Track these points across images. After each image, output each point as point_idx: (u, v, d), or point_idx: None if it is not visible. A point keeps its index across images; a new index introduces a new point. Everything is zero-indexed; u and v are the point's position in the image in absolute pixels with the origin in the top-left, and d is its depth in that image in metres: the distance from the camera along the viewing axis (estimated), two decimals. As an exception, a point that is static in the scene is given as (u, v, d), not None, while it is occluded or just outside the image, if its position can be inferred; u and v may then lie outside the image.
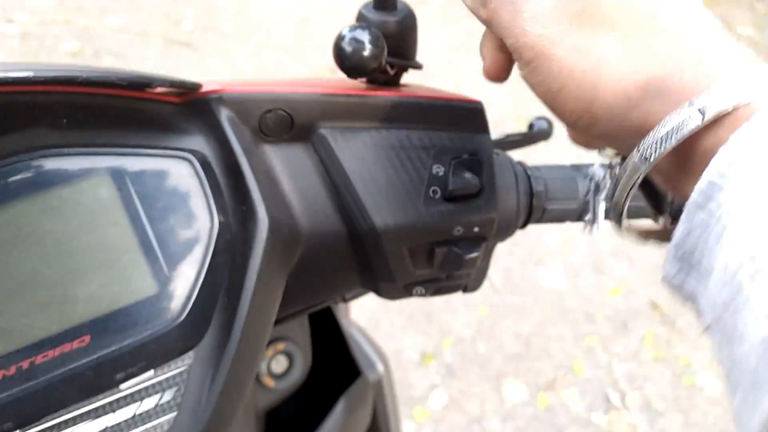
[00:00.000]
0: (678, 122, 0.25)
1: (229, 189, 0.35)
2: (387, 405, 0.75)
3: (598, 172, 0.42)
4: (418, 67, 0.42)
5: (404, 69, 0.43)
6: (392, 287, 0.42)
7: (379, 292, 0.43)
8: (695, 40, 0.27)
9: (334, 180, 0.38)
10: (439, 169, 0.39)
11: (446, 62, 3.00)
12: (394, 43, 0.38)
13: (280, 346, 0.55)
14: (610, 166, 0.38)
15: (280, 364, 0.56)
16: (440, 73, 2.90)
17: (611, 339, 1.84)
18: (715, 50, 0.27)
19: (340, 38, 0.37)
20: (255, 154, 0.36)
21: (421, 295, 0.43)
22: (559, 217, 0.46)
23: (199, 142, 0.35)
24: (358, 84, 0.42)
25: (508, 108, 2.72)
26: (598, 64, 0.28)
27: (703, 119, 0.25)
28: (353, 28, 0.37)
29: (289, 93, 0.37)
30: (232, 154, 0.34)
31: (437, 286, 0.43)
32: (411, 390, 1.62)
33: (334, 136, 0.38)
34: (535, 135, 0.61)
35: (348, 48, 0.36)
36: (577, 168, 0.47)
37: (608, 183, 0.40)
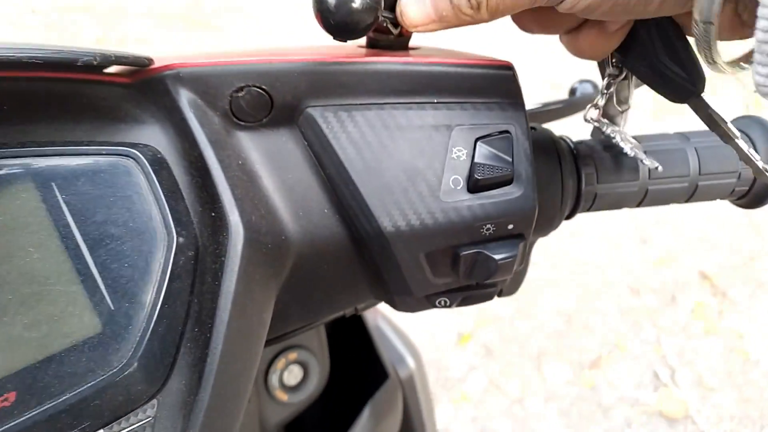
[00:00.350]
0: None
1: (193, 191, 0.28)
2: (419, 401, 0.70)
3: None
4: None
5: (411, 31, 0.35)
6: (409, 300, 0.35)
7: (394, 305, 0.36)
8: None
9: (328, 172, 0.31)
10: (460, 153, 0.31)
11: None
12: None
13: (293, 356, 0.49)
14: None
15: (293, 376, 0.50)
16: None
17: (658, 312, 1.76)
18: None
19: None
20: (226, 145, 0.29)
21: (446, 306, 0.36)
22: (616, 203, 0.38)
23: (152, 133, 0.28)
24: (355, 50, 0.34)
25: (540, 71, 2.61)
26: None
27: None
28: None
29: (265, 64, 0.29)
30: (195, 146, 0.28)
31: (465, 295, 0.36)
32: (448, 372, 1.57)
33: (326, 117, 0.30)
34: (578, 101, 0.52)
35: (332, 1, 0.28)
36: (638, 140, 0.38)
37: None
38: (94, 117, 0.27)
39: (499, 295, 0.39)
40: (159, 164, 0.27)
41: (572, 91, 0.53)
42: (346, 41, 0.30)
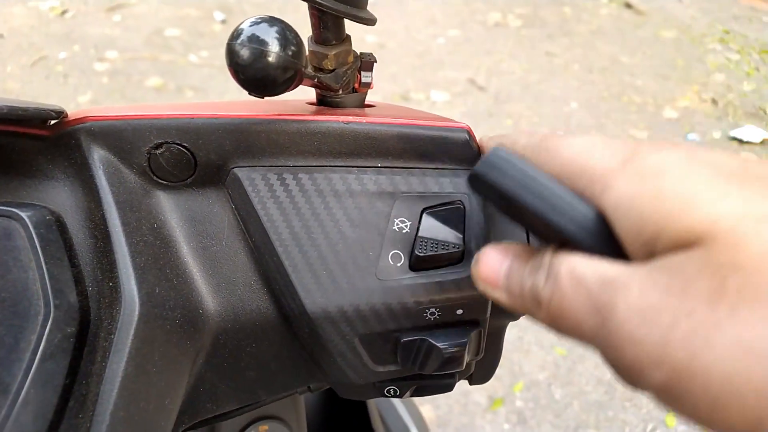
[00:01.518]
0: None
1: (95, 257, 0.25)
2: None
3: None
4: (368, 21, 0.29)
5: (367, 86, 0.32)
6: (350, 387, 0.31)
7: (338, 391, 0.32)
8: None
9: (254, 240, 0.28)
10: (403, 225, 0.28)
11: (523, 86, 2.88)
12: None
13: (263, 428, 0.45)
14: None
15: None
16: (515, 98, 2.78)
17: (709, 387, 1.63)
18: None
19: (233, 38, 0.25)
20: (138, 206, 0.26)
21: (396, 396, 0.31)
22: None
23: (59, 190, 0.26)
24: (301, 106, 0.31)
25: (591, 131, 2.56)
26: None
27: None
28: (254, 22, 0.25)
29: (186, 119, 0.27)
30: (100, 206, 0.25)
31: (418, 385, 0.31)
32: (478, 438, 1.49)
33: (252, 179, 0.27)
34: None
35: (243, 51, 0.25)
36: None
37: None
38: (6, 171, 0.25)
39: (470, 382, 0.35)
40: (48, 227, 0.25)
41: None
42: (262, 97, 0.27)
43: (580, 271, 0.21)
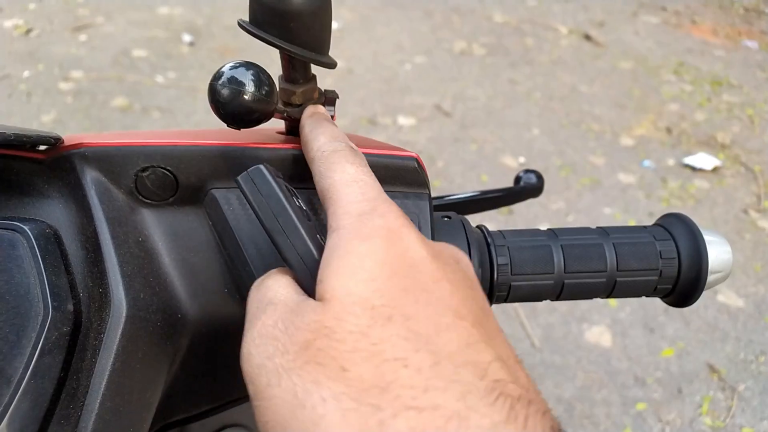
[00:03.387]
0: None
1: (86, 266, 0.28)
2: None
3: None
4: (329, 65, 0.34)
5: (331, 119, 0.36)
6: None
7: None
8: (445, 424, 0.19)
9: (228, 253, 0.31)
10: None
11: (487, 112, 2.96)
12: (301, 25, 0.30)
13: None
14: None
15: None
16: (480, 124, 2.85)
17: (664, 405, 1.68)
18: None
19: (215, 78, 0.30)
20: (126, 222, 0.30)
21: None
22: (533, 295, 0.37)
23: (54, 208, 0.29)
24: (273, 136, 0.35)
25: (552, 156, 2.63)
26: (314, 426, 0.20)
27: None
28: (234, 66, 0.30)
29: (169, 146, 0.31)
30: (92, 222, 0.29)
31: None
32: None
33: (228, 199, 0.31)
34: (519, 191, 0.52)
35: (224, 91, 0.29)
36: (554, 234, 0.38)
37: None
38: (6, 190, 0.28)
39: None
40: (47, 239, 0.28)
41: (517, 180, 0.53)
42: (239, 129, 0.31)
43: (266, 283, 0.25)
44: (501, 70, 3.38)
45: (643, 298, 0.39)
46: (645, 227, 0.38)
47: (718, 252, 0.36)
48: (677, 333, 1.89)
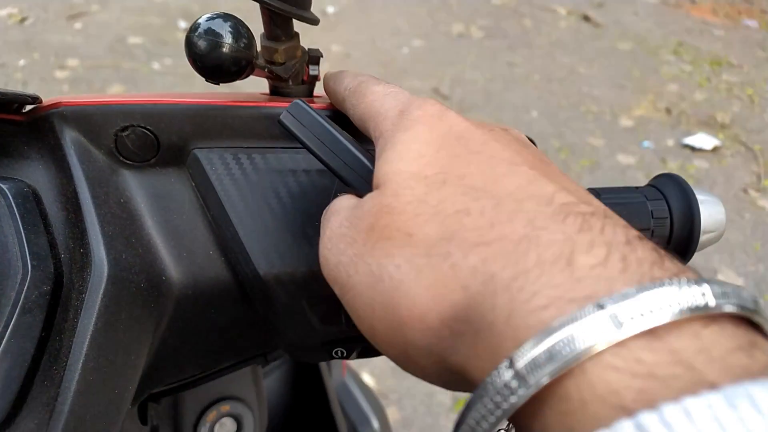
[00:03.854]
0: (492, 391, 0.17)
1: (67, 227, 0.28)
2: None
3: None
4: (311, 20, 0.33)
5: (314, 78, 0.36)
6: (300, 348, 0.34)
7: (291, 354, 0.35)
8: (515, 248, 0.19)
9: (212, 214, 0.31)
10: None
11: (485, 95, 2.94)
12: None
13: (225, 408, 0.47)
14: None
15: (226, 430, 0.47)
16: (478, 107, 2.84)
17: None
18: (544, 260, 0.18)
19: (191, 30, 0.29)
20: (107, 183, 0.29)
21: (343, 357, 0.34)
22: None
23: (34, 168, 0.29)
24: (257, 96, 0.35)
25: (551, 138, 2.62)
26: (395, 292, 0.21)
27: (521, 389, 0.16)
28: (210, 17, 0.29)
29: (150, 104, 0.30)
30: (72, 182, 0.28)
31: (363, 346, 0.34)
32: (441, 437, 1.51)
33: (210, 159, 0.30)
34: None
35: (201, 43, 0.28)
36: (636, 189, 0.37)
37: None
38: None
39: None
40: (25, 198, 0.27)
41: None
42: (218, 83, 0.31)
43: (330, 206, 0.26)
44: (499, 53, 3.35)
45: None
46: (637, 188, 0.37)
47: (710, 212, 0.35)
48: (677, 312, 1.90)
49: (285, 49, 0.33)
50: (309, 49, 0.36)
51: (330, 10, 3.62)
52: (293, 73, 0.34)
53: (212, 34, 0.29)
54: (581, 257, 0.18)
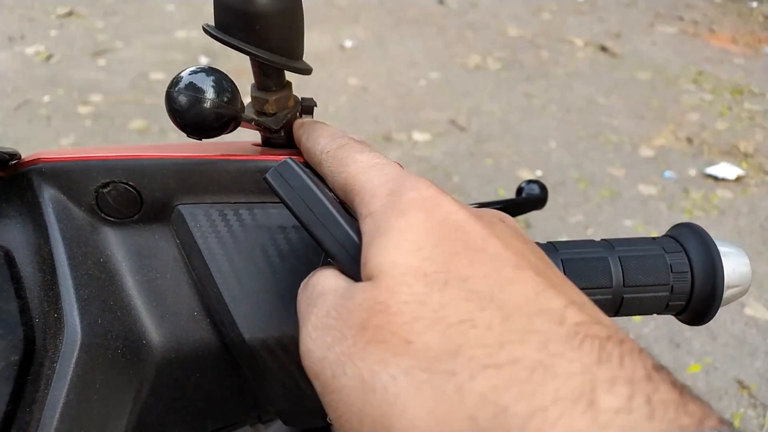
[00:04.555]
0: None
1: (42, 290, 0.26)
2: None
3: None
4: (303, 71, 0.32)
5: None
6: (293, 414, 0.32)
7: (283, 419, 0.33)
8: (529, 376, 0.17)
9: (197, 273, 0.29)
10: None
11: (503, 126, 2.93)
12: (268, 27, 0.28)
13: None
14: None
15: None
16: (496, 138, 2.83)
17: (692, 424, 1.62)
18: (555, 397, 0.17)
19: (172, 85, 0.28)
20: (86, 242, 0.28)
21: None
22: None
23: (11, 227, 0.27)
24: (246, 147, 0.33)
25: (570, 169, 2.60)
26: (389, 408, 0.19)
27: None
28: (193, 71, 0.28)
29: (132, 160, 0.29)
30: (48, 242, 0.27)
31: None
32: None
33: (194, 215, 0.29)
34: (522, 202, 0.49)
35: (181, 98, 0.27)
36: (554, 248, 0.35)
37: None
38: None
39: None
40: None
41: (519, 191, 0.51)
42: (201, 139, 0.29)
43: (311, 281, 0.24)
44: (516, 84, 3.36)
45: None
46: (654, 239, 0.35)
47: (734, 264, 0.33)
48: (704, 348, 1.83)
49: (276, 100, 0.32)
50: (302, 98, 0.35)
51: (348, 44, 3.66)
52: (284, 124, 0.33)
53: (193, 89, 0.27)
54: (604, 397, 0.16)
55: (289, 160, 0.25)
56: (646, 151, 2.78)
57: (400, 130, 2.88)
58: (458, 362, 0.18)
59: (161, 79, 3.27)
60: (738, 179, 2.59)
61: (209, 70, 0.28)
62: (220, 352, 0.30)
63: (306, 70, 0.31)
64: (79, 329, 0.25)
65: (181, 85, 0.27)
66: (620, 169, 2.64)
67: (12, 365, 0.24)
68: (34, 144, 2.67)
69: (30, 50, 3.50)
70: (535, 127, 2.92)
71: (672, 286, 0.33)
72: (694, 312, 0.35)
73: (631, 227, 2.28)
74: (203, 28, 0.29)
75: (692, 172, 2.65)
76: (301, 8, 0.29)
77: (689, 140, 2.88)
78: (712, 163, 2.69)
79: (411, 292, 0.20)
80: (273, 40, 0.28)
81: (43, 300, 0.26)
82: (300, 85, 3.23)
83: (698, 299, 0.34)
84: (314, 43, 3.58)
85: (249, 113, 0.32)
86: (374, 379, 0.19)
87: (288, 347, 0.29)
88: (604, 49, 3.82)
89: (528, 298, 0.20)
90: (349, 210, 0.26)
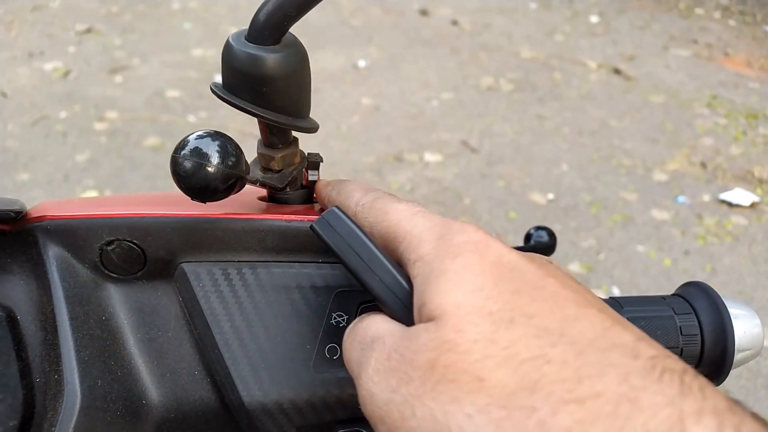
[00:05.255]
0: None
1: (44, 350, 0.26)
2: None
3: None
4: (309, 130, 0.32)
5: (313, 183, 0.34)
6: None
7: None
8: (615, 410, 0.17)
9: (199, 333, 0.29)
10: (340, 319, 0.29)
11: (515, 148, 2.93)
12: (275, 90, 0.28)
13: None
14: None
15: None
16: (507, 160, 2.82)
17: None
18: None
19: (177, 149, 0.28)
20: (89, 300, 0.28)
21: None
22: None
23: (15, 285, 0.27)
24: (252, 203, 0.34)
25: (582, 193, 2.58)
26: None
27: None
28: (199, 136, 0.28)
29: (136, 218, 0.29)
30: (51, 301, 0.27)
31: None
32: None
33: (198, 274, 0.29)
34: (529, 250, 0.49)
35: (186, 164, 0.27)
36: None
37: None
38: None
39: None
40: None
41: (527, 237, 0.51)
42: (205, 202, 0.29)
43: (360, 326, 0.24)
44: (529, 106, 3.36)
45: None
46: (663, 298, 0.35)
47: (745, 327, 0.32)
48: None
49: (282, 157, 0.32)
50: (309, 153, 0.35)
51: (361, 64, 3.69)
52: (290, 181, 0.33)
53: (198, 155, 0.27)
54: (694, 429, 0.16)
55: (335, 209, 0.26)
56: (660, 176, 2.77)
57: (411, 151, 2.88)
58: (537, 398, 0.18)
59: (176, 96, 3.31)
60: (752, 205, 2.56)
61: (214, 135, 0.29)
62: (220, 412, 0.30)
63: (312, 129, 0.32)
64: (78, 392, 0.25)
65: (186, 150, 0.28)
66: (633, 194, 2.63)
67: (10, 430, 0.24)
68: (49, 160, 2.70)
69: (48, 66, 3.56)
70: (547, 150, 2.92)
71: (682, 349, 0.33)
72: (704, 375, 0.34)
73: (644, 253, 2.26)
74: (211, 88, 0.29)
75: (706, 197, 2.63)
76: (309, 69, 0.29)
77: (703, 165, 2.86)
78: (726, 189, 2.67)
79: (478, 330, 0.20)
80: (280, 101, 0.28)
81: (44, 360, 0.26)
82: (312, 106, 3.26)
83: (708, 362, 0.33)
84: (328, 62, 3.61)
85: (255, 168, 0.33)
86: (448, 419, 0.19)
87: (287, 411, 0.28)
88: (617, 71, 3.82)
89: (597, 333, 0.20)
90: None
